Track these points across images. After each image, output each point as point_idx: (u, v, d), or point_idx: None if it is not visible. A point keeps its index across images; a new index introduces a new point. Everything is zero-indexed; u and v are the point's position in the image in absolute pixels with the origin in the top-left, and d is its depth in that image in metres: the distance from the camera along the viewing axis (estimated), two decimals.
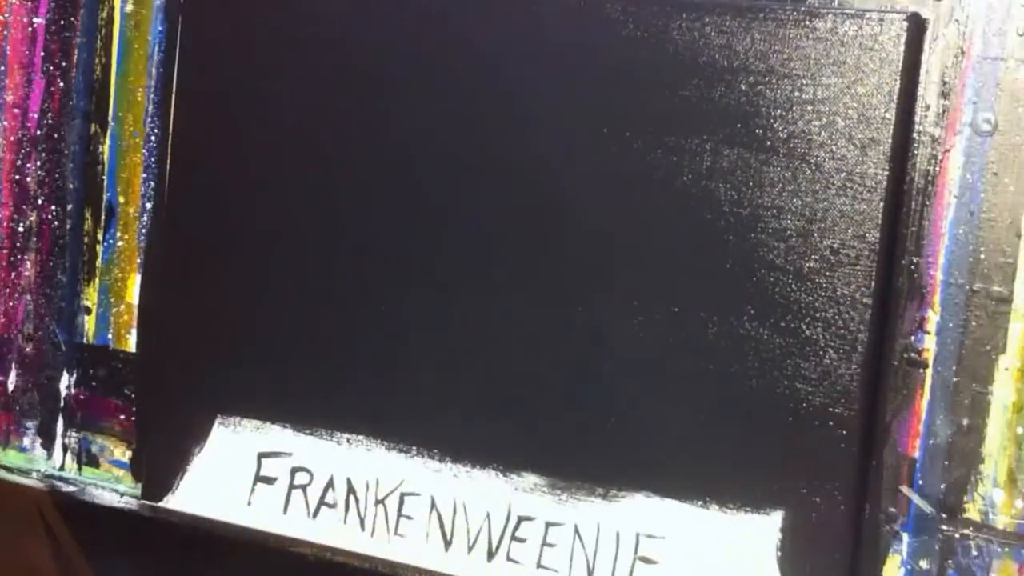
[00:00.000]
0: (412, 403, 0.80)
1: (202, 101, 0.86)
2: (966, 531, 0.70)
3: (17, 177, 0.93)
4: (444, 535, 0.79)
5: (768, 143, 0.71)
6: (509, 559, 0.78)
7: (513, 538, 0.78)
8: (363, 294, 0.81)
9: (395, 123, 0.80)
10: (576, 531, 0.76)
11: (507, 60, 0.77)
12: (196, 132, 0.86)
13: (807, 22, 0.70)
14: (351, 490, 0.82)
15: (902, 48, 0.69)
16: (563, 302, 0.76)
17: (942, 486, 0.70)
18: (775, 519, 0.72)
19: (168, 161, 0.87)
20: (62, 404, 0.93)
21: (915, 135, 0.70)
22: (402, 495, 0.80)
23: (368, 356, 0.81)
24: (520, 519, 0.77)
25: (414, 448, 0.80)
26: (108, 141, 0.91)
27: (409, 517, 0.80)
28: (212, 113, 0.85)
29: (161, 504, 0.88)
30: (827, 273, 0.70)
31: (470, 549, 0.79)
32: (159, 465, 0.88)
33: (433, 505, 0.80)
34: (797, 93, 0.71)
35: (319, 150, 0.82)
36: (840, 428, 0.70)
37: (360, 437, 0.81)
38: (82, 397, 0.93)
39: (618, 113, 0.74)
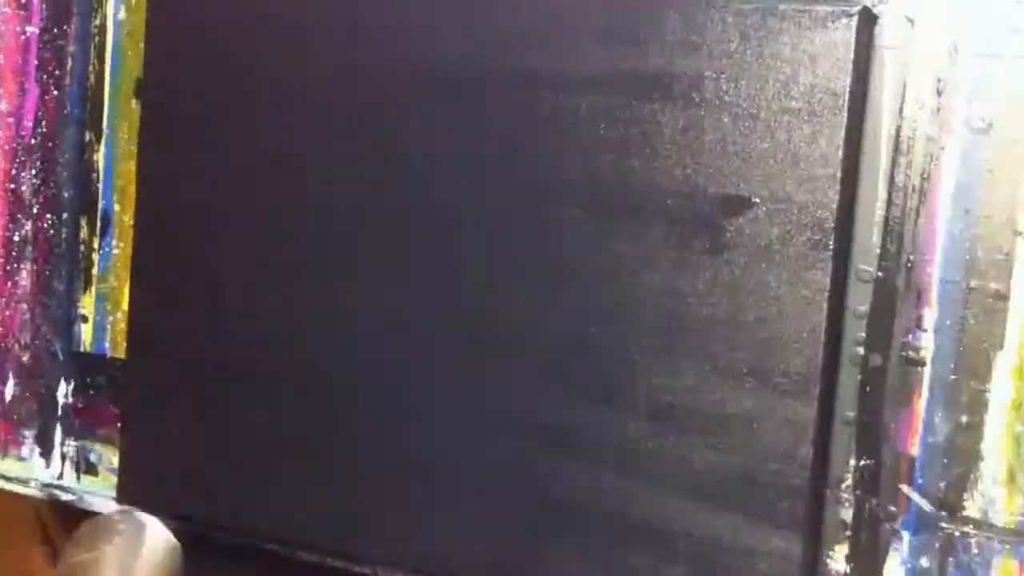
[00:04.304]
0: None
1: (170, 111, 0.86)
2: (966, 529, 0.70)
3: (12, 186, 0.93)
4: None
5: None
6: None
7: None
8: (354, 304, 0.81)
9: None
10: None
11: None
12: (165, 136, 0.86)
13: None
14: None
15: (852, 40, 0.69)
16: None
17: (942, 484, 0.70)
18: None
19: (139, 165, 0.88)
20: (60, 413, 0.93)
21: (910, 133, 0.71)
22: None
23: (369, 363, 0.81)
24: None
25: None
26: (103, 149, 0.91)
27: None
28: (182, 120, 0.85)
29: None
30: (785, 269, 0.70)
31: None
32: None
33: None
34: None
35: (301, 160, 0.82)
36: None
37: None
38: (80, 406, 0.93)
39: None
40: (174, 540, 0.82)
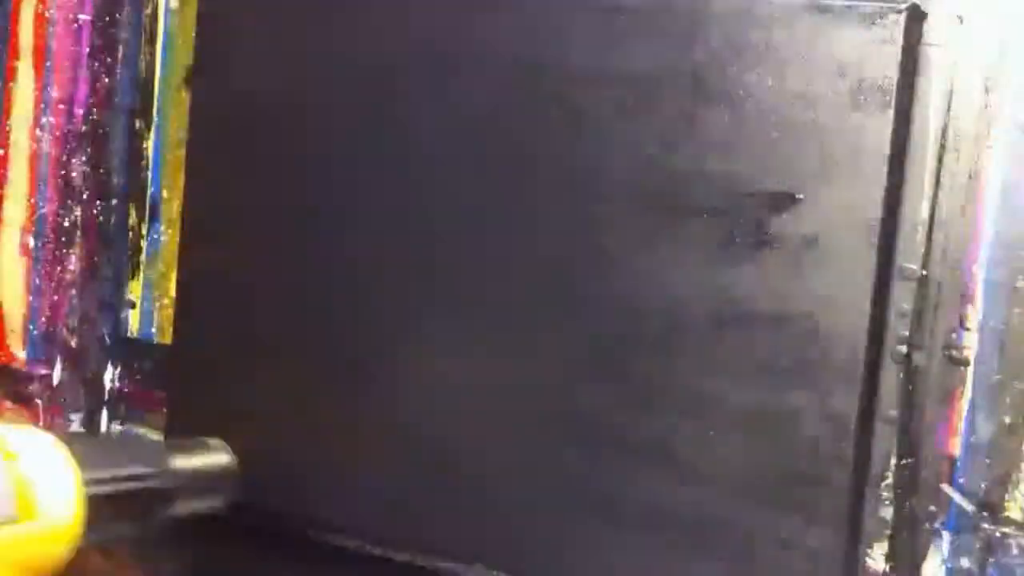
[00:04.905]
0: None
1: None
2: (1007, 530, 0.70)
3: (63, 172, 0.94)
4: None
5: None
6: None
7: None
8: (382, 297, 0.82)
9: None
10: None
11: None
12: (214, 124, 0.87)
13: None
14: None
15: (900, 37, 0.69)
16: None
17: (983, 484, 0.70)
18: None
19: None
20: (106, 397, 0.94)
21: (957, 131, 0.70)
22: None
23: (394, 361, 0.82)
24: None
25: None
26: (153, 137, 0.92)
27: None
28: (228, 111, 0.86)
29: None
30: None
31: None
32: None
33: None
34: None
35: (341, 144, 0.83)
36: None
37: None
38: (126, 390, 0.94)
39: None
40: None
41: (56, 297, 0.95)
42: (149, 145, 0.92)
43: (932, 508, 0.71)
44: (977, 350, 0.70)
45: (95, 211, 0.94)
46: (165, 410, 0.91)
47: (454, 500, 0.80)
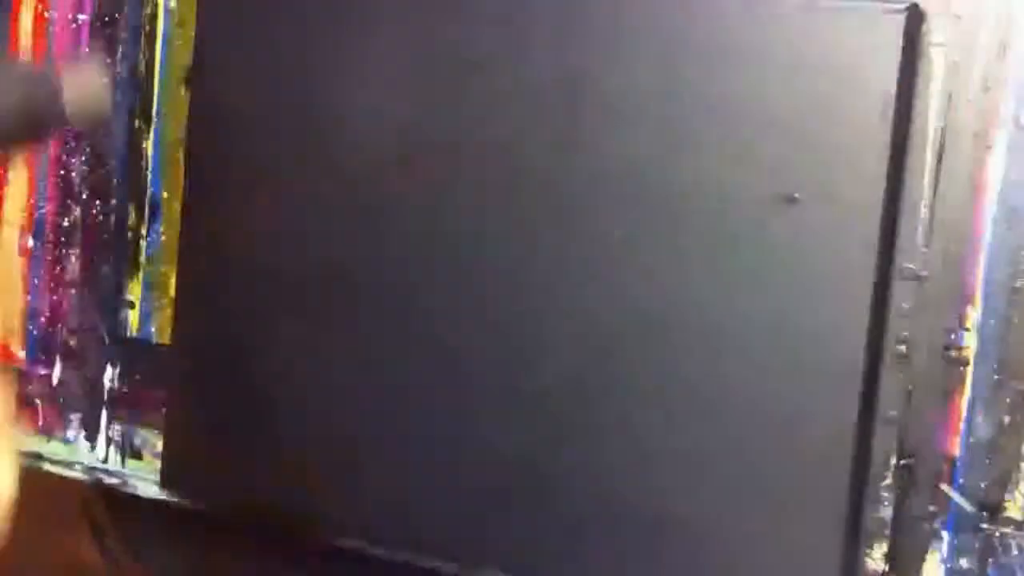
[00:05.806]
0: None
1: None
2: (1007, 529, 0.70)
3: (62, 172, 0.94)
4: None
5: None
6: None
7: None
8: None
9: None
10: None
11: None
12: (213, 124, 0.87)
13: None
14: None
15: (899, 38, 0.69)
16: None
17: (983, 484, 0.70)
18: None
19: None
20: (105, 397, 0.94)
21: (956, 131, 0.70)
22: None
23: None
24: None
25: None
26: (152, 137, 0.92)
27: None
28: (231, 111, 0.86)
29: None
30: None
31: None
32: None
33: None
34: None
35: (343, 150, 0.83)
36: None
37: None
38: (125, 391, 0.94)
39: None
40: None
41: (56, 297, 0.95)
42: (148, 145, 0.92)
43: (932, 508, 0.71)
44: (977, 350, 0.70)
45: (95, 211, 0.94)
46: (164, 410, 0.91)
47: (454, 500, 0.80)
